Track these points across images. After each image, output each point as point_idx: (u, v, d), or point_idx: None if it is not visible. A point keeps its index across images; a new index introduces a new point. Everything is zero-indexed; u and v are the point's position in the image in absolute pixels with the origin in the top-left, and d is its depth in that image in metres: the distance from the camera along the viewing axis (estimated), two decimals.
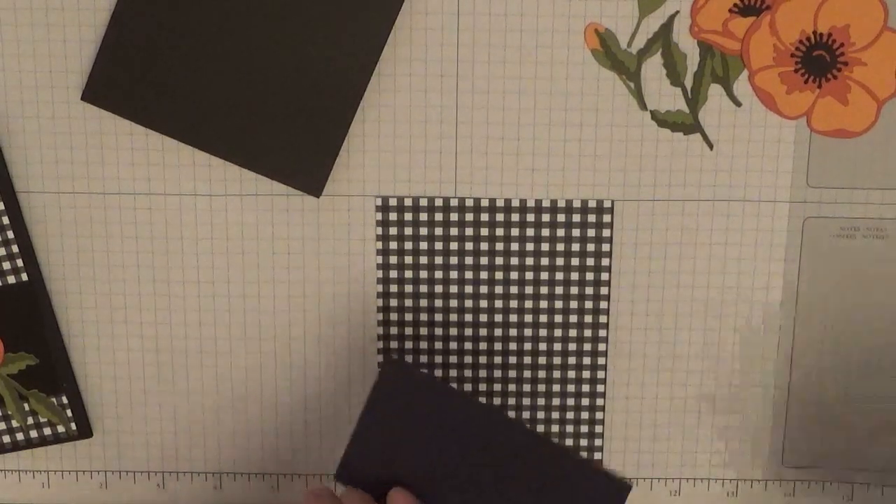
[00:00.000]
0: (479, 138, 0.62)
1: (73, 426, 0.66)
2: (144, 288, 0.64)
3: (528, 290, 0.64)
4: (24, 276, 0.64)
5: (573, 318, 0.64)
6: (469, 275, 0.64)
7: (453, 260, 0.63)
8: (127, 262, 0.64)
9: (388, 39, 0.60)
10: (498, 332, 0.64)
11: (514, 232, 0.63)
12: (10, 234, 0.63)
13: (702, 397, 0.65)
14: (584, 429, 0.66)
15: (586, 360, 0.65)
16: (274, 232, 0.64)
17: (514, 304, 0.64)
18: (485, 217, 0.63)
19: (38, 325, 0.64)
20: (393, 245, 0.63)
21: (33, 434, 0.66)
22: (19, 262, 0.63)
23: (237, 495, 0.67)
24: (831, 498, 0.66)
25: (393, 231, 0.63)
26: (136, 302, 0.65)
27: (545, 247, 0.63)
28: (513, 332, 0.64)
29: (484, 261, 0.63)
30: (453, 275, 0.64)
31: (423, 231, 0.63)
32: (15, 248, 0.63)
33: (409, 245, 0.63)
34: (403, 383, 0.58)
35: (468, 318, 0.64)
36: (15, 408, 0.66)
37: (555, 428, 0.66)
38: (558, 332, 0.64)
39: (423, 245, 0.63)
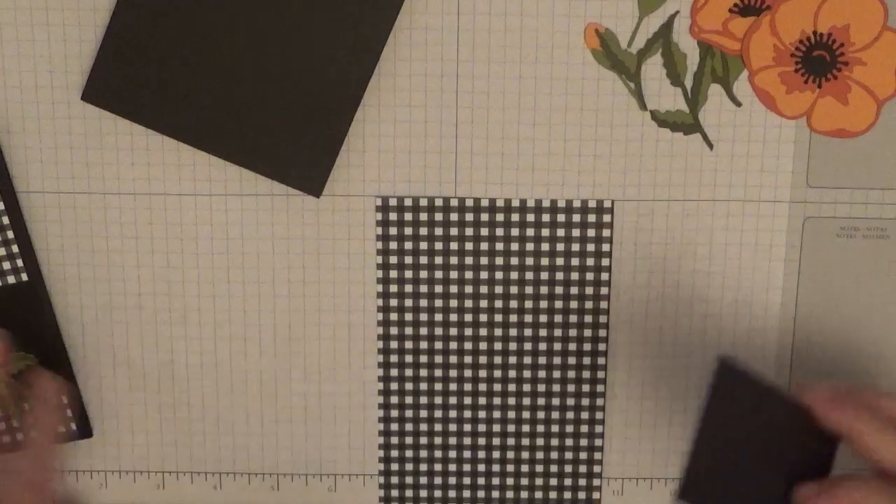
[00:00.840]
0: (479, 138, 0.62)
1: (73, 426, 0.66)
2: (144, 288, 0.64)
3: (528, 289, 0.64)
4: (24, 276, 0.64)
5: (573, 318, 0.64)
6: (469, 275, 0.64)
7: (453, 260, 0.63)
8: (127, 261, 0.64)
9: (388, 39, 0.60)
10: (498, 332, 0.64)
11: (514, 232, 0.63)
12: (10, 234, 0.63)
13: (702, 397, 0.65)
14: (584, 429, 0.66)
15: (586, 360, 0.65)
16: (274, 232, 0.64)
17: (514, 304, 0.64)
18: (485, 217, 0.63)
19: (39, 325, 0.64)
20: (393, 245, 0.63)
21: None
22: (19, 262, 0.63)
23: (237, 495, 0.67)
24: None
25: (393, 231, 0.63)
26: (135, 302, 0.65)
27: (545, 247, 0.63)
28: (513, 332, 0.64)
29: (484, 261, 0.63)
30: (453, 275, 0.64)
31: (423, 231, 0.63)
32: (15, 248, 0.63)
33: (409, 245, 0.63)
34: (736, 385, 0.55)
35: (468, 317, 0.64)
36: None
37: (555, 428, 0.66)
38: (558, 332, 0.64)
39: (423, 245, 0.63)
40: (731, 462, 0.55)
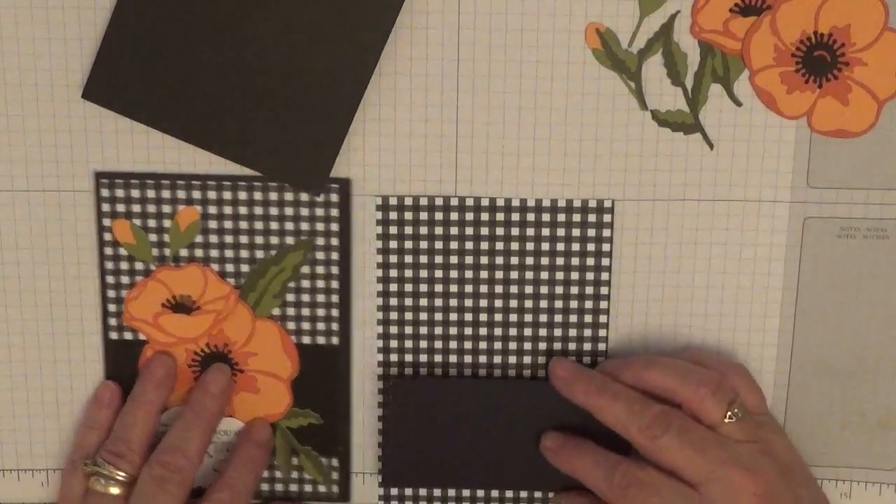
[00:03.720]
0: (479, 138, 0.62)
1: (335, 488, 0.66)
2: None
3: (528, 289, 0.64)
4: (335, 340, 0.64)
5: (573, 318, 0.64)
6: (469, 275, 0.64)
7: (453, 260, 0.63)
8: None
9: (389, 39, 0.60)
10: (498, 331, 0.64)
11: (514, 232, 0.63)
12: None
13: None
14: None
15: (586, 360, 0.64)
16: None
17: (514, 303, 0.64)
18: (485, 217, 0.63)
19: (331, 386, 0.65)
20: (393, 245, 0.63)
21: (293, 487, 0.66)
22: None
23: None
24: (830, 497, 0.66)
25: (393, 231, 0.63)
26: None
27: (545, 247, 0.63)
28: (512, 331, 0.64)
29: (484, 261, 0.63)
30: (453, 275, 0.63)
31: (423, 231, 0.63)
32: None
33: (409, 245, 0.63)
34: (410, 390, 0.63)
35: (468, 317, 0.64)
36: (283, 460, 0.66)
37: None
38: (558, 332, 0.64)
39: (423, 245, 0.63)
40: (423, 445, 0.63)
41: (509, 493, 0.66)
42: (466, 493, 0.66)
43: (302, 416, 0.65)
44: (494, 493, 0.66)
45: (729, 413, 0.58)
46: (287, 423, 0.65)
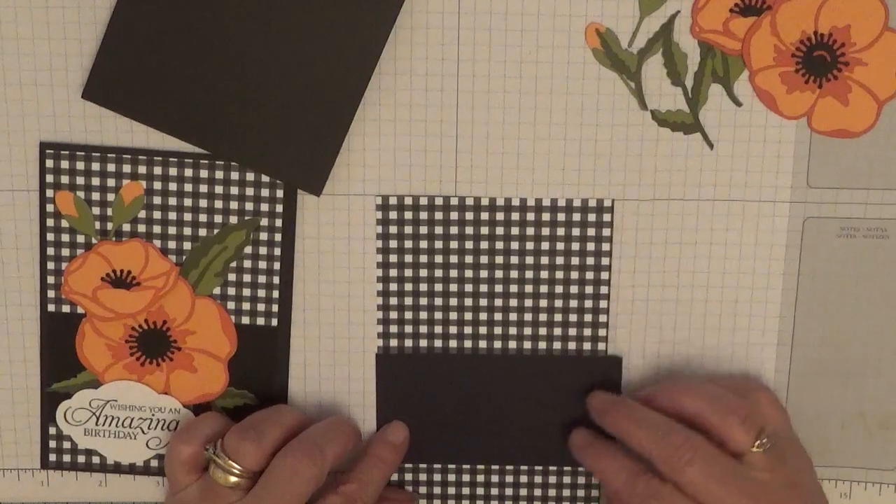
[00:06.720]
0: (479, 138, 0.62)
1: None
2: None
3: (528, 289, 0.64)
4: (275, 322, 0.64)
5: (573, 318, 0.64)
6: (469, 274, 0.64)
7: (453, 259, 0.63)
8: None
9: (389, 39, 0.60)
10: (497, 330, 0.64)
11: (514, 232, 0.63)
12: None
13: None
14: None
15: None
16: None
17: (514, 303, 0.64)
18: (485, 217, 0.63)
19: (270, 368, 0.65)
20: (393, 244, 0.63)
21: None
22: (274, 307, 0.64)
23: None
24: (829, 497, 0.66)
25: (393, 230, 0.63)
26: None
27: (545, 246, 0.63)
28: (512, 330, 0.64)
29: (484, 260, 0.63)
30: (453, 274, 0.64)
31: (423, 230, 0.63)
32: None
33: (409, 244, 0.63)
34: (399, 366, 0.64)
35: (468, 317, 0.64)
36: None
37: None
38: (558, 332, 0.64)
39: (423, 245, 0.63)
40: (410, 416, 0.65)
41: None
42: (466, 490, 0.66)
43: (238, 397, 0.65)
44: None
45: (758, 442, 0.58)
46: (222, 402, 0.65)
